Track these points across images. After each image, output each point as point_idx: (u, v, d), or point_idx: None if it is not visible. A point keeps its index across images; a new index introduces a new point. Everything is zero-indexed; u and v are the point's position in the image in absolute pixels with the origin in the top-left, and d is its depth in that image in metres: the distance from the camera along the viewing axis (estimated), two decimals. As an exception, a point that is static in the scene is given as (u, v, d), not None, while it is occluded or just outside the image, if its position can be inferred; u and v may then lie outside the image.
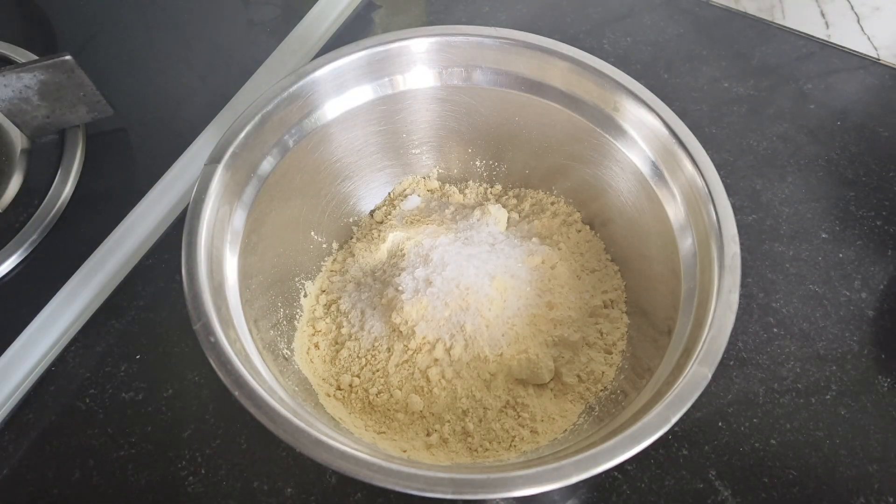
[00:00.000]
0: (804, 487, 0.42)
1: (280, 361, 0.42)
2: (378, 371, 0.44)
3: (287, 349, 0.44)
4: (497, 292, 0.45)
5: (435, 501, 0.42)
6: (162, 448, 0.44)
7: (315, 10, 0.68)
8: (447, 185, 0.55)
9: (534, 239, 0.50)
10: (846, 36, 0.65)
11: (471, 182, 0.55)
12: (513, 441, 0.41)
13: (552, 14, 0.69)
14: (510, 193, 0.54)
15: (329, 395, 0.43)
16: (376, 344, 0.44)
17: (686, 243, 0.41)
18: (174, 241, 0.52)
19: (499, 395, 0.43)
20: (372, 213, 0.54)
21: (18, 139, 0.58)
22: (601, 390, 0.43)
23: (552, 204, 0.53)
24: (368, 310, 0.46)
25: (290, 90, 0.43)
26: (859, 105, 0.60)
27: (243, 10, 0.72)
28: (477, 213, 0.51)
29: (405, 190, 0.54)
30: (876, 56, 0.64)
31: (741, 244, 0.37)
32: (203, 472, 0.43)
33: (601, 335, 0.46)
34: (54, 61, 0.53)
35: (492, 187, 0.55)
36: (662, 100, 0.42)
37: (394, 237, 0.49)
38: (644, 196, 0.45)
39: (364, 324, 0.45)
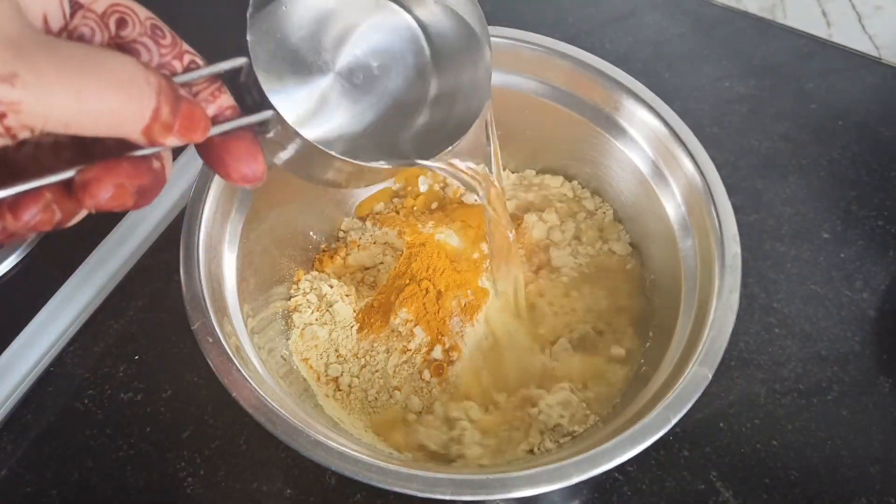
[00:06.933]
0: (805, 488, 0.42)
1: (279, 361, 0.42)
2: (377, 372, 0.43)
3: (285, 349, 0.44)
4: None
5: (435, 502, 0.42)
6: (161, 449, 0.44)
7: (315, 10, 0.68)
8: (446, 184, 0.54)
9: (533, 239, 0.50)
10: (848, 35, 0.65)
11: (471, 182, 0.55)
12: (513, 442, 0.41)
13: (552, 14, 0.68)
14: (509, 193, 0.54)
15: (328, 396, 0.43)
16: (375, 345, 0.44)
17: (686, 243, 0.40)
18: (173, 240, 0.52)
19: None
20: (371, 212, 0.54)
21: (18, 139, 0.58)
22: (601, 391, 0.43)
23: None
24: (367, 310, 0.46)
25: (290, 90, 0.43)
26: (861, 105, 0.60)
27: (243, 9, 0.72)
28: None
29: (405, 189, 0.54)
30: (877, 55, 0.64)
31: (742, 244, 0.37)
32: (202, 472, 0.43)
33: (601, 335, 0.46)
34: (53, 61, 0.53)
35: (492, 187, 0.54)
36: (663, 99, 0.42)
37: (393, 236, 0.49)
38: (644, 196, 0.45)
39: (363, 324, 0.45)
